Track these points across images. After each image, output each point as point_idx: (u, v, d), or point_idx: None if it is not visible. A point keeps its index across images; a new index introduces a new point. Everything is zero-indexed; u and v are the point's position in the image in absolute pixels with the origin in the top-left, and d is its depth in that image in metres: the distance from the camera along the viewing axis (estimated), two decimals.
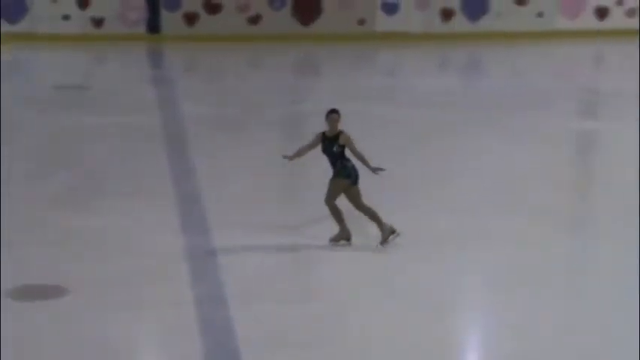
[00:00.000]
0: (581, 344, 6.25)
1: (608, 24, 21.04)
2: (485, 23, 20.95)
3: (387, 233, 8.26)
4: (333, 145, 8.35)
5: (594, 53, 20.18)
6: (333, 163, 8.40)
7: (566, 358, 6.12)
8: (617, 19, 21.06)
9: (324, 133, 8.45)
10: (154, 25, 20.49)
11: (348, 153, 8.29)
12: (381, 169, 8.24)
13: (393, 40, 20.27)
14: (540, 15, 20.99)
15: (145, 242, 8.03)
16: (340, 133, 8.36)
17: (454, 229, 8.35)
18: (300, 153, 8.59)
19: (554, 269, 7.62)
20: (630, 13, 21.07)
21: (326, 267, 7.83)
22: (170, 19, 20.53)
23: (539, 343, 6.25)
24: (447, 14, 20.95)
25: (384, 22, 20.84)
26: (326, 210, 8.15)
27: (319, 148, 8.41)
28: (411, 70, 18.25)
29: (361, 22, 20.49)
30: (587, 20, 21.10)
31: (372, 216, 8.34)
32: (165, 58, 19.36)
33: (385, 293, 7.06)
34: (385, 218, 8.06)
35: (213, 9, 20.74)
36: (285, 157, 8.62)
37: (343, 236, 8.40)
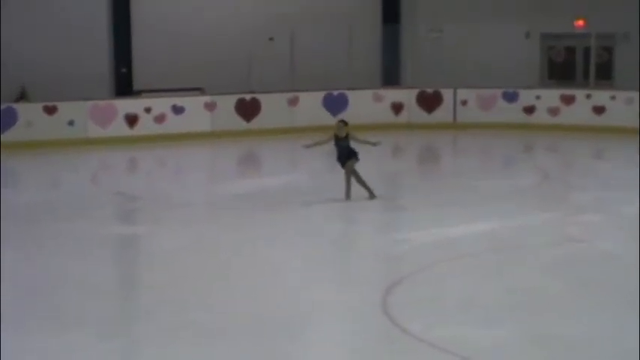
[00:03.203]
0: None
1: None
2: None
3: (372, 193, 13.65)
4: (343, 141, 13.69)
5: None
6: (343, 153, 13.68)
7: None
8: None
9: (335, 135, 13.81)
10: None
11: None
12: (379, 143, 14.13)
13: None
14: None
15: None
16: (347, 134, 13.73)
17: None
18: (318, 143, 14.11)
19: None
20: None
21: None
22: None
23: None
24: None
25: None
26: None
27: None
28: None
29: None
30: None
31: (363, 183, 13.70)
32: None
33: None
34: None
35: None
36: (304, 146, 14.08)
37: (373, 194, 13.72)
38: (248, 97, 22.77)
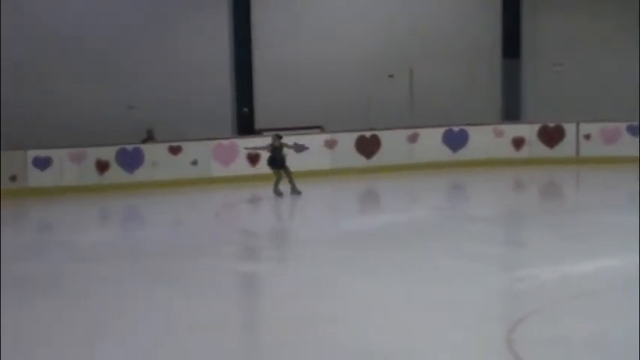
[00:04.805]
0: None
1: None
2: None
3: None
4: (278, 150, 18.73)
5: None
6: (277, 158, 18.77)
7: None
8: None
9: (272, 144, 18.69)
10: None
11: None
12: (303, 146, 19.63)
13: (46, 194, 19.86)
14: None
15: None
16: (281, 144, 18.55)
17: None
18: (258, 149, 19.42)
19: None
20: None
21: None
22: None
23: None
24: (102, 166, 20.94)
25: (35, 177, 20.42)
26: None
27: None
28: (66, 224, 17.80)
29: (13, 178, 19.93)
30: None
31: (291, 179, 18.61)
32: None
33: None
34: None
35: None
36: (245, 148, 19.54)
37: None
38: (368, 134, 22.86)
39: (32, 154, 20.66)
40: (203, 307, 10.50)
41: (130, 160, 21.23)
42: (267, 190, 19.39)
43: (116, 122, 23.13)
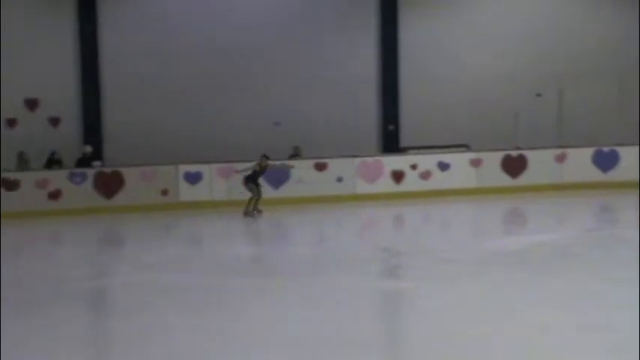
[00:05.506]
0: None
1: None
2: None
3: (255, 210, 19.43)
4: (262, 171, 19.56)
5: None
6: (257, 178, 19.53)
7: None
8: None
9: (260, 165, 19.54)
10: None
11: None
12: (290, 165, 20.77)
13: (197, 208, 20.36)
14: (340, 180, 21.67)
15: None
16: (267, 165, 19.61)
17: None
18: (245, 170, 19.82)
19: None
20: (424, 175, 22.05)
21: None
22: None
23: None
24: None
25: (187, 191, 20.95)
26: None
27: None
28: (215, 238, 18.22)
29: (164, 192, 20.54)
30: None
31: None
32: None
33: None
34: None
35: (10, 185, 20.25)
36: (236, 171, 20.08)
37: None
38: (514, 153, 22.56)
39: (183, 168, 21.26)
40: (341, 321, 10.56)
41: (276, 176, 21.58)
42: (411, 209, 19.35)
43: (263, 138, 23.58)
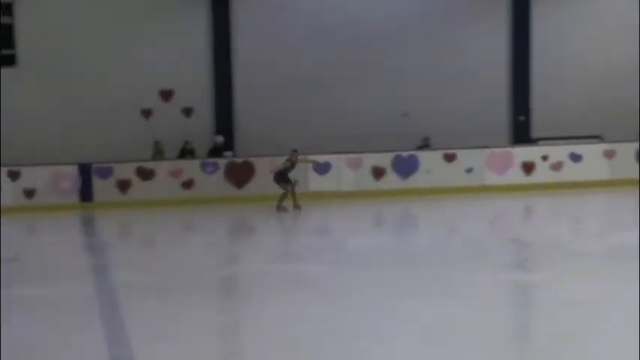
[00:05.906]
0: None
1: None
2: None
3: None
4: (292, 167, 19.47)
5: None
6: (286, 174, 19.32)
7: None
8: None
9: (291, 160, 19.43)
10: (86, 194, 20.48)
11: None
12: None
13: (326, 198, 20.55)
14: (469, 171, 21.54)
15: None
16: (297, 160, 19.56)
17: None
18: (287, 168, 19.49)
19: None
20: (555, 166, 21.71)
21: None
22: (102, 187, 20.55)
23: None
24: (378, 173, 21.40)
25: (316, 182, 21.15)
26: None
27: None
28: (344, 228, 18.36)
29: (294, 182, 20.78)
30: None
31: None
32: (98, 225, 19.25)
33: None
34: None
35: (145, 175, 20.85)
36: (271, 170, 19.81)
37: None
38: None
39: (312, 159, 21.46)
40: (469, 313, 10.51)
41: (405, 167, 21.58)
42: (541, 200, 19.06)
43: (392, 128, 23.59)
